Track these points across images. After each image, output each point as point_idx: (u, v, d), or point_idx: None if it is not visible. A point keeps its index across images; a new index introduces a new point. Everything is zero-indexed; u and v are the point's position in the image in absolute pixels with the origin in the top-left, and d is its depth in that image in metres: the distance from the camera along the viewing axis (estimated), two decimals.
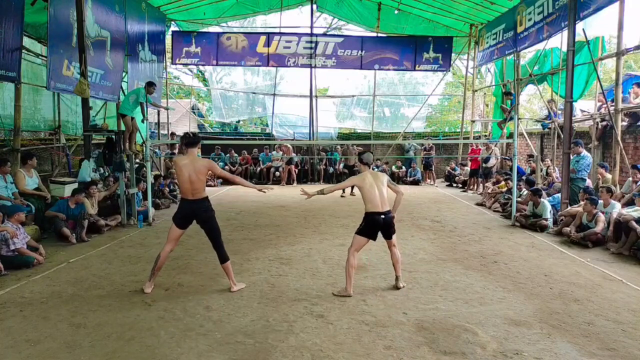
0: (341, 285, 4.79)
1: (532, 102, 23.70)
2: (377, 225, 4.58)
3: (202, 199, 4.60)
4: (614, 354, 3.39)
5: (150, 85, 8.69)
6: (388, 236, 4.71)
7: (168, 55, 15.77)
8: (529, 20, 11.36)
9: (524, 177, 9.57)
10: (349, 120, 18.89)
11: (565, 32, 8.58)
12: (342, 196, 12.09)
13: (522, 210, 8.34)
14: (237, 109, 18.92)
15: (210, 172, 4.68)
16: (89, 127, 8.82)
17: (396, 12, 15.16)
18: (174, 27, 15.80)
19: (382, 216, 4.58)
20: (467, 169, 14.04)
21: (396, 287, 4.77)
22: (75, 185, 8.00)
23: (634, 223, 5.96)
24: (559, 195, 8.19)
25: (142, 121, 8.95)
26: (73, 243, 6.66)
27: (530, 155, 11.91)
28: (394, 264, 4.85)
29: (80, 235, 6.87)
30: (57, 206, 7.01)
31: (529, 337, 3.65)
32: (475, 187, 12.81)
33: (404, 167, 15.68)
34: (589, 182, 8.33)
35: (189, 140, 4.68)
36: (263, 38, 15.96)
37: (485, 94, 17.10)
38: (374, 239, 4.66)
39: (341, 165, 15.53)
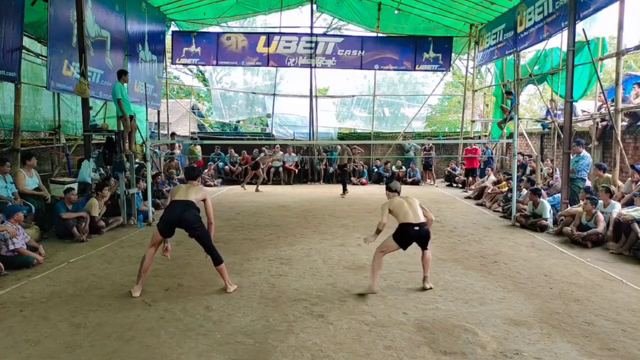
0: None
1: (532, 102, 23.71)
2: (409, 236, 4.61)
3: (189, 202, 4.57)
4: (614, 354, 3.39)
5: (123, 74, 8.35)
6: (424, 246, 4.76)
7: (168, 55, 15.77)
8: (529, 20, 11.36)
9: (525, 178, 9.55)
10: (349, 120, 18.90)
11: (565, 32, 8.58)
12: (342, 195, 12.07)
13: (522, 210, 8.34)
14: (237, 109, 18.94)
15: (203, 199, 4.73)
16: (89, 127, 8.81)
17: (396, 12, 15.16)
18: (174, 27, 15.81)
19: (416, 227, 4.61)
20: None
21: (423, 288, 4.74)
22: (75, 185, 8.00)
23: (636, 225, 5.95)
24: (559, 195, 8.19)
25: (120, 118, 8.32)
26: (85, 241, 6.81)
27: (529, 155, 11.92)
28: (423, 265, 4.82)
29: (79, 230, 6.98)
30: (57, 209, 7.00)
31: (529, 337, 3.65)
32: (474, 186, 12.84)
33: (404, 167, 15.69)
34: (588, 183, 8.34)
35: (188, 175, 5.18)
36: (263, 38, 15.97)
37: (485, 94, 17.11)
38: (404, 248, 4.69)
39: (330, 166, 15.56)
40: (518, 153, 9.48)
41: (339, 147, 15.71)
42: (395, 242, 4.65)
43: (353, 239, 7.07)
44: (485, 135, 16.23)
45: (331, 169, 15.67)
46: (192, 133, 17.52)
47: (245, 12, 16.22)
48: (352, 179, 15.24)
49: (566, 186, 7.92)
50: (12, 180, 7.02)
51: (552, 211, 7.85)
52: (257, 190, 12.93)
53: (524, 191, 8.87)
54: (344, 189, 12.38)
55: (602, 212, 6.78)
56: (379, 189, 13.84)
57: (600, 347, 3.48)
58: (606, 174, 8.20)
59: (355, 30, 17.21)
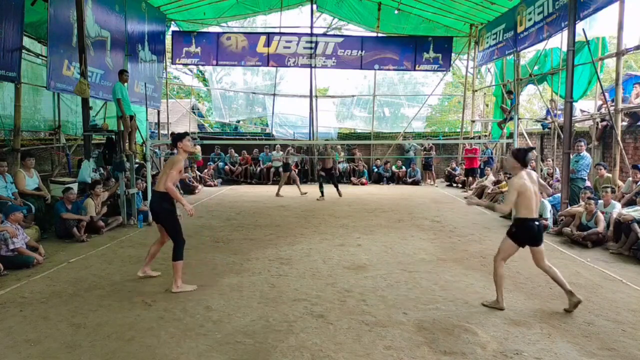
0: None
1: (532, 102, 23.72)
2: (532, 232, 4.11)
3: (158, 192, 4.76)
4: (614, 354, 3.39)
5: (121, 73, 8.36)
6: (537, 243, 4.15)
7: (168, 55, 15.77)
8: (529, 20, 11.36)
9: None
10: (349, 120, 18.90)
11: (566, 32, 8.58)
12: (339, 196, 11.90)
13: None
14: (237, 109, 18.95)
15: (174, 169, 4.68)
16: (89, 127, 8.81)
17: (396, 12, 15.16)
18: (174, 27, 15.81)
19: (537, 222, 4.13)
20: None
21: (575, 305, 4.06)
22: (75, 186, 8.00)
23: (636, 225, 5.95)
24: (559, 195, 8.19)
25: (120, 118, 8.31)
26: (85, 241, 6.82)
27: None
28: (557, 280, 4.14)
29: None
30: (57, 209, 7.00)
31: (529, 337, 3.65)
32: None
33: (404, 167, 15.68)
34: (587, 183, 8.33)
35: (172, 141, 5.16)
36: (263, 38, 15.97)
37: (485, 94, 17.11)
38: (524, 246, 4.20)
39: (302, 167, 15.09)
40: None
41: (339, 146, 15.70)
42: (514, 242, 4.12)
43: (353, 239, 7.07)
44: (485, 135, 16.23)
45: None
46: (192, 133, 17.50)
47: (245, 12, 16.22)
48: (352, 178, 15.22)
49: (566, 186, 7.92)
50: (12, 180, 7.03)
51: (552, 211, 7.85)
52: (278, 194, 12.22)
53: None
54: (338, 191, 11.77)
55: (602, 212, 6.78)
56: (379, 189, 13.86)
57: (600, 347, 3.48)
58: (607, 174, 8.20)
59: (355, 30, 17.21)
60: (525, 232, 4.12)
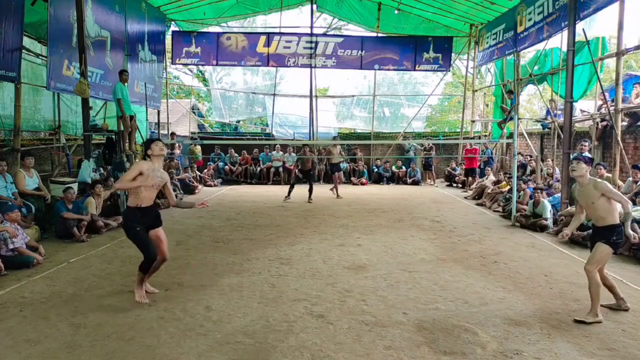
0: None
1: (532, 102, 23.73)
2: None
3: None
4: (614, 354, 3.39)
5: (122, 73, 8.40)
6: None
7: (168, 55, 15.77)
8: (529, 20, 11.36)
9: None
10: (349, 120, 18.91)
11: (566, 32, 8.58)
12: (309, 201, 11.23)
13: (522, 210, 8.34)
14: (237, 109, 18.95)
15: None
16: (89, 127, 8.81)
17: (396, 12, 15.16)
18: (174, 27, 15.80)
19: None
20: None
21: (625, 309, 4.13)
22: (75, 186, 8.00)
23: (635, 225, 5.94)
24: (559, 195, 8.19)
25: (120, 118, 8.43)
26: (85, 241, 6.80)
27: (530, 155, 11.92)
28: (613, 288, 4.13)
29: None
30: (57, 208, 7.00)
31: (529, 337, 3.65)
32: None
33: (404, 167, 15.68)
34: None
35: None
36: (263, 38, 15.96)
37: (485, 94, 17.11)
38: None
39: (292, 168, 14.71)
40: (518, 153, 9.48)
41: (338, 146, 15.64)
42: (613, 249, 3.93)
43: (353, 239, 7.07)
44: (486, 135, 16.23)
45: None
46: (192, 133, 17.52)
47: (245, 12, 16.22)
48: (352, 178, 15.21)
49: (566, 186, 7.91)
50: (12, 180, 7.03)
51: (552, 211, 7.85)
52: (338, 196, 11.83)
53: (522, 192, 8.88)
54: (310, 196, 11.28)
55: None
56: (379, 189, 13.86)
57: (600, 347, 3.48)
58: (606, 174, 8.19)
59: (355, 30, 17.21)
60: (622, 237, 4.02)
